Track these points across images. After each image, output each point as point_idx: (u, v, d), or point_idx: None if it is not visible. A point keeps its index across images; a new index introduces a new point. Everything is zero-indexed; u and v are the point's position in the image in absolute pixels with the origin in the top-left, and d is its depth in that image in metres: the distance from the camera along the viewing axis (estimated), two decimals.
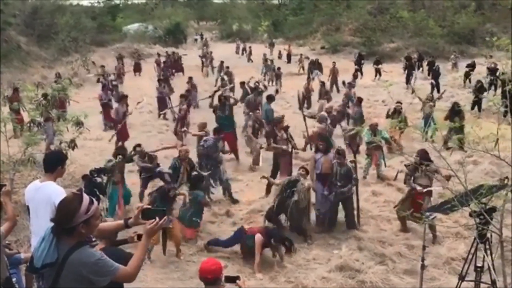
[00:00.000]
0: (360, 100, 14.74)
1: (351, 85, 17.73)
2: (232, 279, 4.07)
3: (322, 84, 18.87)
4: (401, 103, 13.38)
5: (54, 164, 4.65)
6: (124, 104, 13.79)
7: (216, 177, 9.94)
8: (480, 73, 20.86)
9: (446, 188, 6.11)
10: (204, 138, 10.44)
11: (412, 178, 8.24)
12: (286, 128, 10.88)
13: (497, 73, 18.18)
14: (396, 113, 13.02)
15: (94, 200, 2.99)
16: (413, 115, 15.03)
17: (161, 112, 17.05)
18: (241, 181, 11.14)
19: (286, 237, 7.54)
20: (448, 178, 7.45)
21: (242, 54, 37.25)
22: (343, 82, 20.51)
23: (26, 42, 28.74)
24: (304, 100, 17.87)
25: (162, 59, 29.44)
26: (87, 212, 2.90)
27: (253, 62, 31.26)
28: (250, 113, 13.58)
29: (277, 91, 21.04)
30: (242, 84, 17.52)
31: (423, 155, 8.05)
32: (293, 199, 8.08)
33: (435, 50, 31.01)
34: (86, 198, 2.94)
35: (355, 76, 22.58)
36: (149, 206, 3.34)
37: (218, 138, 10.22)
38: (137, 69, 29.06)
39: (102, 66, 24.83)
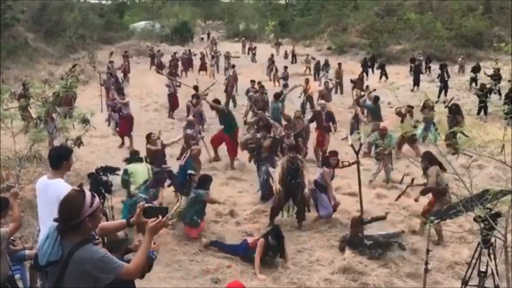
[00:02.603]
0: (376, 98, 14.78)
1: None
2: None
3: (326, 84, 18.68)
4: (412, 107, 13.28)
5: (59, 159, 4.62)
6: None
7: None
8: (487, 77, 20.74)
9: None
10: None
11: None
12: (297, 135, 10.87)
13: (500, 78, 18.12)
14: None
15: (95, 194, 3.03)
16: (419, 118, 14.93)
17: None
18: (245, 181, 11.14)
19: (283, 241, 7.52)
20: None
21: (248, 53, 37.27)
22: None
23: (33, 38, 28.83)
24: (307, 101, 17.83)
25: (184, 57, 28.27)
26: (91, 205, 2.94)
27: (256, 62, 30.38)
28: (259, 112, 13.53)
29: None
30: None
31: (430, 157, 8.01)
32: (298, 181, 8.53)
33: (442, 52, 30.91)
34: (88, 192, 2.99)
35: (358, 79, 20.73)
36: (151, 205, 3.36)
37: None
38: (160, 66, 26.26)
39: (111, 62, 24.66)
